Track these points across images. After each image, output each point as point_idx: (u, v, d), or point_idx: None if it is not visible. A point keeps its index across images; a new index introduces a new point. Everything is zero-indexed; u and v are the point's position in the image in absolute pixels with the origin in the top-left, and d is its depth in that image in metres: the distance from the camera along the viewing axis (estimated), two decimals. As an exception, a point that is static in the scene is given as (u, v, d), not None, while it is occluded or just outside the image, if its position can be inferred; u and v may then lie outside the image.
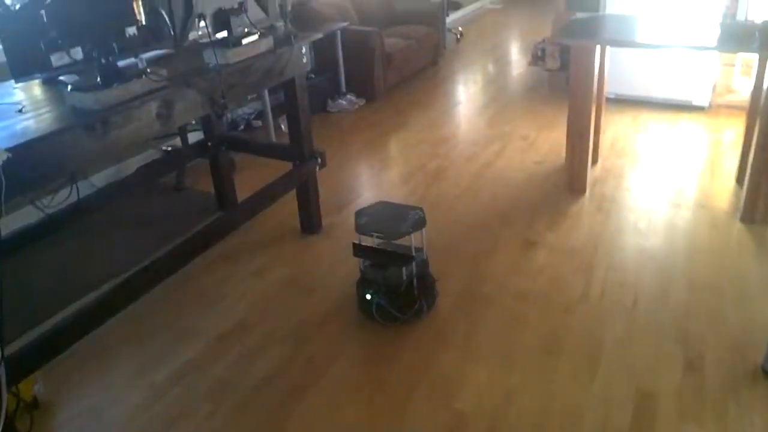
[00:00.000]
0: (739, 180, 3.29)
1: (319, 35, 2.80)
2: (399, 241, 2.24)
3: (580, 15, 3.43)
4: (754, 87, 3.10)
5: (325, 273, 2.67)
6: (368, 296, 2.27)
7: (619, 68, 4.27)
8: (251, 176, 3.57)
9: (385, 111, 4.79)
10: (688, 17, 3.38)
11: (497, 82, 5.46)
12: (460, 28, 7.39)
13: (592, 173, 3.43)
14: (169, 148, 3.73)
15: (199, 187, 3.47)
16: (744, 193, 2.91)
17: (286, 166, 2.83)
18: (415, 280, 2.27)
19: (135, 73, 1.89)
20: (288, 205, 2.95)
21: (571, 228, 2.93)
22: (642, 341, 2.17)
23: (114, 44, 1.83)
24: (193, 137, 3.50)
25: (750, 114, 3.16)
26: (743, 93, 4.37)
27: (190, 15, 2.09)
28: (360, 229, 2.27)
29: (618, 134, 4.07)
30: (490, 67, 6.05)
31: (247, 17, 2.46)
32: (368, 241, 2.30)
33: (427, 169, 3.65)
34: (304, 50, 2.65)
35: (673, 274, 2.54)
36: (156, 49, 2.22)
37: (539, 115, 4.49)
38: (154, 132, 1.94)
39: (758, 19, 2.78)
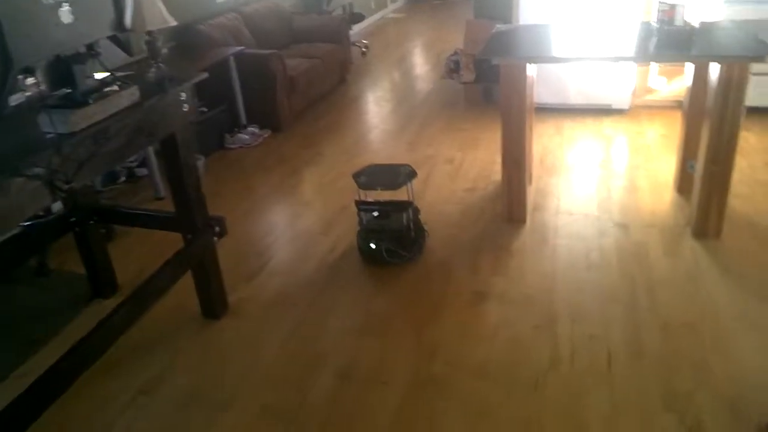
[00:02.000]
0: (680, 189, 3.11)
1: (204, 75, 2.27)
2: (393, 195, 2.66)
3: (500, 27, 3.11)
4: (691, 94, 2.90)
5: (237, 376, 2.12)
6: (373, 245, 2.67)
7: (537, 77, 4.04)
8: (132, 244, 2.98)
9: (293, 142, 4.29)
10: (606, 23, 3.15)
11: (411, 98, 5.11)
12: (364, 41, 7.02)
13: (529, 197, 3.13)
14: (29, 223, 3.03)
15: (68, 266, 2.79)
16: (694, 207, 2.70)
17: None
18: (411, 224, 2.70)
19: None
20: (183, 282, 2.37)
21: (519, 269, 2.59)
22: (630, 415, 1.84)
23: None
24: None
25: (688, 122, 2.97)
26: (661, 92, 4.29)
27: (9, 70, 1.52)
28: (362, 186, 2.69)
29: (545, 148, 3.83)
30: (402, 82, 5.70)
31: (101, 62, 1.90)
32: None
33: (349, 212, 3.19)
34: (184, 96, 2.12)
35: (641, 316, 2.25)
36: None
37: (460, 133, 4.17)
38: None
39: (695, 22, 2.58)
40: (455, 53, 4.82)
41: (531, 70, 2.84)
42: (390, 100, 5.13)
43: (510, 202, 2.94)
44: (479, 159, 3.74)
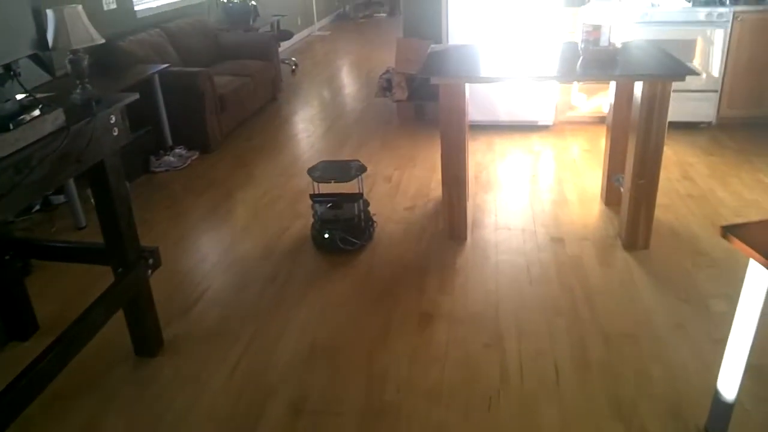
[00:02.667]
0: (608, 202, 3.26)
1: (135, 96, 2.14)
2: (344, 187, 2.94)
3: (435, 47, 3.15)
4: (614, 111, 3.06)
5: (178, 417, 1.96)
6: (327, 235, 2.90)
7: (469, 96, 4.14)
8: (51, 278, 2.75)
9: (225, 163, 4.14)
10: (534, 43, 3.28)
11: (345, 117, 5.09)
12: (293, 59, 6.95)
13: (468, 214, 3.17)
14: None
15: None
16: (624, 220, 2.83)
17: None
18: (362, 214, 2.96)
19: None
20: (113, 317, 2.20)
21: (464, 287, 2.60)
22: (580, 427, 1.87)
23: None
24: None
25: (612, 137, 3.12)
26: (582, 109, 4.51)
27: None
28: (317, 179, 2.92)
29: (479, 164, 3.91)
30: (334, 101, 5.67)
31: (20, 83, 1.74)
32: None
33: (289, 235, 3.11)
34: (113, 119, 1.98)
35: (583, 327, 2.31)
36: None
37: (396, 151, 4.19)
38: None
39: (617, 43, 2.71)
40: (387, 71, 4.86)
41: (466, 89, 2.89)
42: (324, 118, 5.08)
43: (451, 220, 2.96)
44: (416, 176, 3.76)
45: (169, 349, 2.28)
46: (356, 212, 2.94)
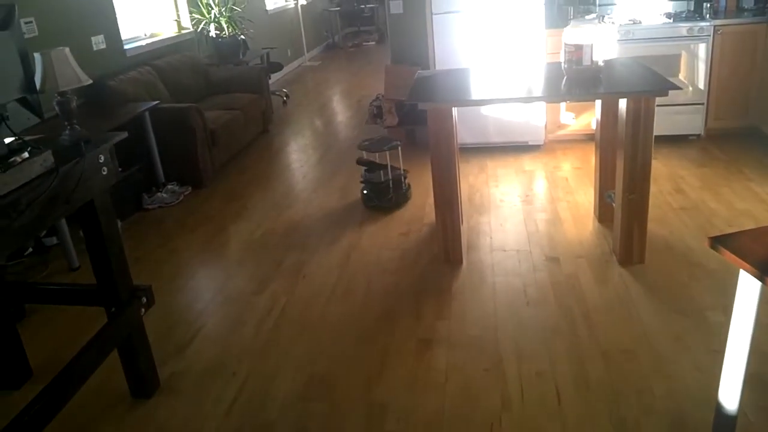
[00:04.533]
0: (601, 219, 3.27)
1: (124, 135, 2.15)
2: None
3: (422, 73, 3.20)
4: (602, 128, 3.09)
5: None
6: (365, 191, 3.76)
7: (458, 119, 4.18)
8: (45, 323, 2.73)
9: (217, 198, 4.15)
10: (518, 66, 3.32)
11: (338, 145, 5.12)
12: (284, 90, 7.03)
13: (463, 237, 3.17)
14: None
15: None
16: (617, 236, 2.83)
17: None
18: (390, 183, 3.70)
19: None
20: (106, 358, 2.17)
21: (461, 311, 2.59)
22: (584, 450, 1.84)
23: None
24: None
25: (601, 154, 3.14)
26: (571, 127, 4.55)
27: None
28: (363, 149, 3.80)
29: (472, 186, 3.93)
30: (326, 130, 5.72)
31: (8, 126, 1.76)
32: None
33: (283, 268, 3.09)
34: (102, 159, 1.99)
35: (583, 346, 2.29)
36: None
37: (389, 177, 4.20)
38: None
39: (600, 61, 2.75)
40: (377, 98, 4.91)
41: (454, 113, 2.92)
42: (316, 148, 5.12)
43: (446, 244, 2.96)
44: (411, 202, 3.77)
45: (166, 389, 2.25)
46: (382, 178, 3.69)
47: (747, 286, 1.59)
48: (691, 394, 2.01)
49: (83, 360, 1.83)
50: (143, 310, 2.10)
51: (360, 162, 3.82)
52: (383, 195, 3.67)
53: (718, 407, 1.74)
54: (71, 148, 1.92)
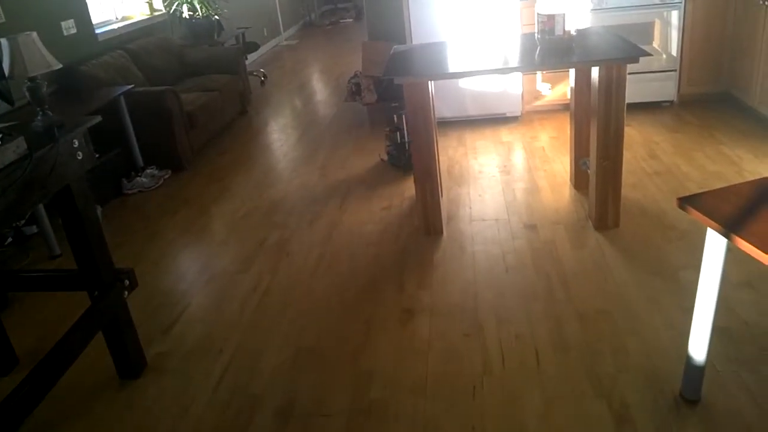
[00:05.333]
0: (577, 186, 3.33)
1: (97, 119, 2.14)
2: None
3: (398, 48, 3.20)
4: (575, 97, 3.13)
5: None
6: (388, 151, 4.00)
7: (436, 93, 4.19)
8: (29, 311, 2.74)
9: (198, 180, 4.14)
10: (493, 37, 3.33)
11: (317, 124, 5.11)
12: (262, 70, 6.96)
13: (443, 208, 3.21)
14: None
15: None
16: (593, 201, 2.89)
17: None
18: (406, 144, 3.85)
19: None
20: (93, 341, 2.12)
21: (443, 280, 2.64)
22: (563, 407, 1.91)
23: None
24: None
25: (576, 122, 3.19)
26: (547, 97, 4.58)
27: None
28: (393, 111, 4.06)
29: (451, 159, 3.96)
30: (305, 109, 5.70)
31: (-22, 114, 1.75)
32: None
33: (267, 246, 3.12)
34: (77, 143, 1.98)
35: (560, 309, 2.36)
36: None
37: (370, 153, 4.23)
38: None
39: (572, 30, 2.77)
40: (355, 76, 4.89)
41: (430, 86, 2.94)
42: (296, 127, 5.10)
43: (426, 216, 3.00)
44: (391, 176, 3.80)
45: (153, 369, 2.28)
46: (399, 140, 3.88)
47: (714, 243, 1.65)
48: (663, 350, 2.09)
49: (68, 343, 1.86)
50: (126, 292, 2.12)
51: (389, 125, 4.12)
52: (402, 156, 3.85)
53: (688, 359, 1.82)
54: (44, 134, 1.91)
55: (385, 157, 4.03)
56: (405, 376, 2.12)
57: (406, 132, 3.85)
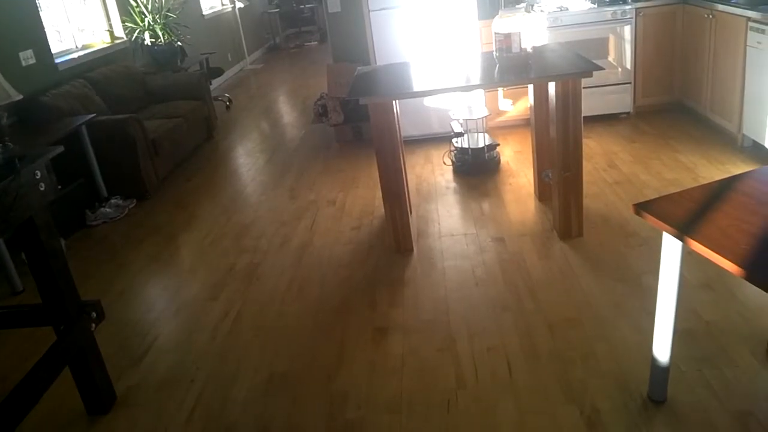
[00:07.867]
0: (541, 197, 3.41)
1: (59, 149, 2.12)
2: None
3: (362, 69, 3.25)
4: (535, 111, 3.22)
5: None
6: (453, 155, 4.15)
7: (401, 112, 4.25)
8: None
9: (164, 208, 4.09)
10: (453, 57, 3.42)
11: (285, 147, 5.12)
12: (227, 95, 6.95)
13: (412, 226, 3.24)
14: None
15: None
16: (556, 212, 2.96)
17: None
18: (469, 149, 4.00)
19: None
20: (59, 376, 2.11)
21: (414, 297, 2.66)
22: (536, 415, 1.94)
23: None
24: None
25: (537, 136, 3.27)
26: (509, 113, 4.70)
27: None
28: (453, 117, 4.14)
29: (419, 177, 4.02)
30: (272, 132, 5.71)
31: (-66, 149, 1.71)
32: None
33: (236, 271, 3.10)
34: (39, 174, 1.96)
35: (530, 319, 2.40)
36: None
37: (338, 174, 4.25)
38: None
39: (528, 48, 2.86)
40: (321, 97, 4.93)
41: (395, 105, 2.99)
42: (263, 150, 5.10)
43: (396, 233, 3.03)
44: (360, 196, 3.82)
45: (123, 403, 2.23)
46: (460, 145, 4.04)
47: (670, 246, 1.71)
48: (631, 353, 2.14)
49: (33, 381, 1.80)
50: (93, 325, 2.08)
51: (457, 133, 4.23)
52: (465, 160, 3.99)
53: (653, 361, 1.87)
54: (5, 166, 1.88)
55: (449, 163, 4.16)
56: (380, 394, 2.12)
57: (468, 138, 4.04)
